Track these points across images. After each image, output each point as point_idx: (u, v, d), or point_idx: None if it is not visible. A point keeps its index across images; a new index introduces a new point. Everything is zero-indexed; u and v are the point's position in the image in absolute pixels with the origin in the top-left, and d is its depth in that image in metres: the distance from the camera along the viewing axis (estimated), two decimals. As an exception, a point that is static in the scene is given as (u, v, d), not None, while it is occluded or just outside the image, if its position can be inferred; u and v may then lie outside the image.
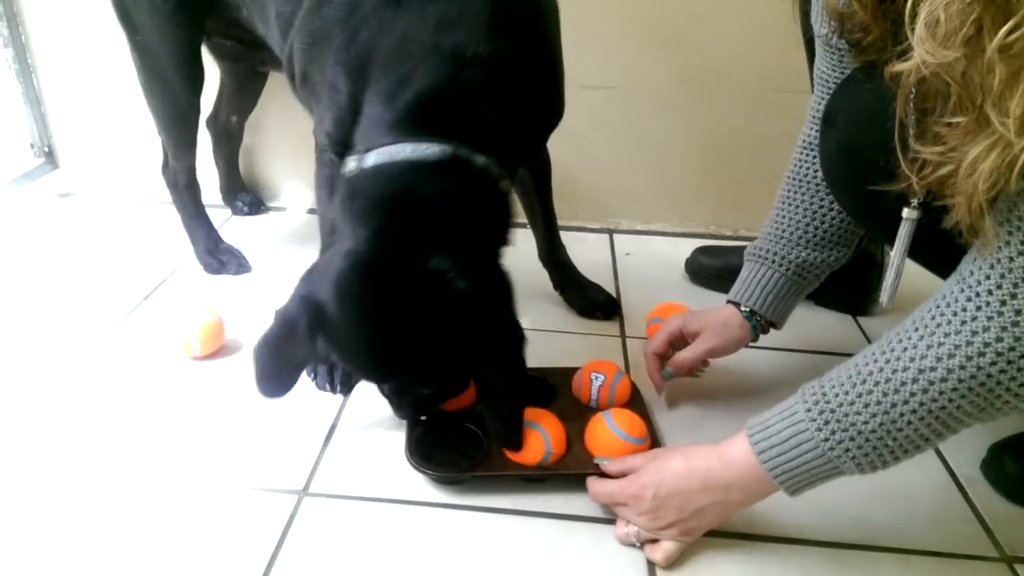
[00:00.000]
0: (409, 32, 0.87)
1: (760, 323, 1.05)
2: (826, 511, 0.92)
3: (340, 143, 0.99)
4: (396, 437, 1.01)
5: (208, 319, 1.17)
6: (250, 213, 1.69)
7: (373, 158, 0.83)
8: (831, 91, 0.91)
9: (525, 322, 0.90)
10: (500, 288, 0.86)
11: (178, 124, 1.34)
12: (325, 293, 0.82)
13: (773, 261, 1.02)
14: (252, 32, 1.22)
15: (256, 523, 0.88)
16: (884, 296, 0.81)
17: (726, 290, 1.45)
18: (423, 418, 0.99)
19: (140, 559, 0.83)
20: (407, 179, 0.82)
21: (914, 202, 0.73)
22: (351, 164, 0.86)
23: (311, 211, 1.72)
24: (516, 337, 0.88)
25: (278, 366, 0.92)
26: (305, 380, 1.12)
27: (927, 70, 0.59)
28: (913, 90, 0.64)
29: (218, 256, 1.44)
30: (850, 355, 1.02)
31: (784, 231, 1.02)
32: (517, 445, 0.92)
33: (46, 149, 1.77)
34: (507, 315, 0.87)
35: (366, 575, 0.83)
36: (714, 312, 1.08)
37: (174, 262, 1.46)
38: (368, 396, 1.11)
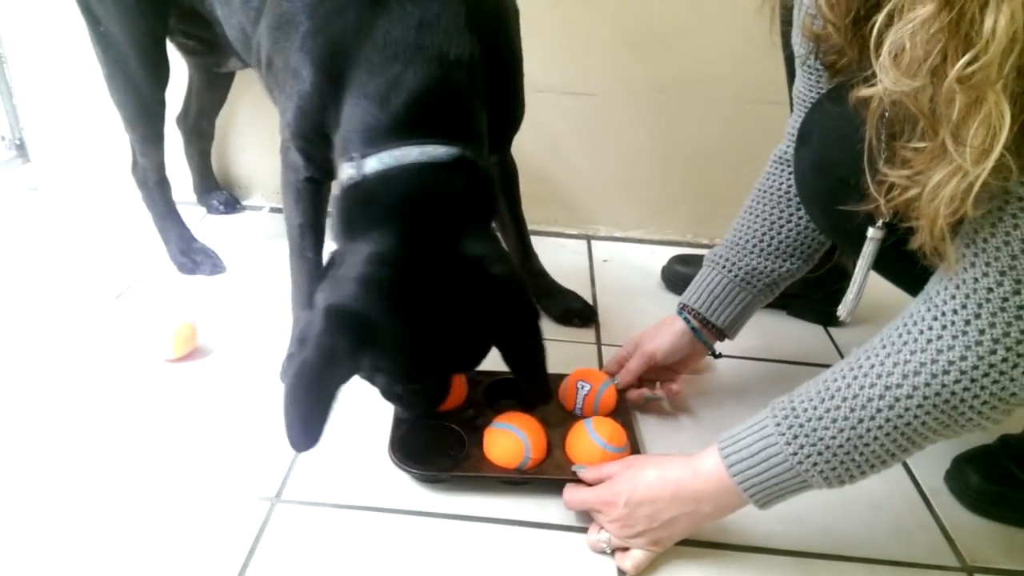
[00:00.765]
0: (391, 32, 0.87)
1: (703, 325, 1.06)
2: (794, 520, 0.94)
3: (301, 136, 0.98)
4: (370, 443, 1.01)
5: (181, 321, 1.16)
6: (226, 212, 1.67)
7: (374, 163, 0.84)
8: None
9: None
10: (516, 267, 0.91)
11: (142, 118, 1.33)
12: (365, 302, 0.81)
13: (723, 266, 1.04)
14: (212, 28, 1.21)
15: (228, 530, 0.88)
16: (843, 310, 0.82)
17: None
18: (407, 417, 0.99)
19: (110, 566, 0.82)
20: (422, 180, 0.84)
21: (879, 222, 0.74)
22: (348, 171, 0.86)
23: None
24: (535, 309, 0.94)
25: (313, 404, 0.84)
26: (279, 385, 1.12)
27: (889, 97, 0.60)
28: (886, 113, 0.66)
29: (192, 256, 1.42)
30: (821, 365, 1.04)
31: (740, 238, 1.03)
32: (549, 397, 0.99)
33: (17, 142, 1.74)
34: (527, 291, 0.92)
35: (338, 583, 0.83)
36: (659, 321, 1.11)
37: (147, 261, 1.44)
38: (341, 402, 1.10)
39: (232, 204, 1.68)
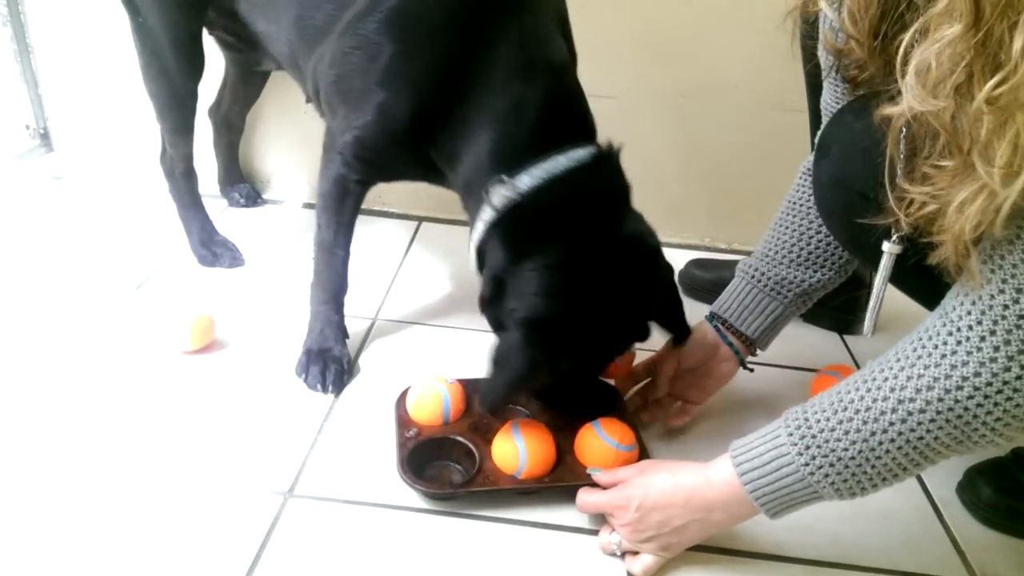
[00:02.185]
0: (499, 53, 0.93)
1: (733, 334, 1.06)
2: (805, 528, 0.94)
3: (373, 147, 1.02)
4: (384, 441, 1.02)
5: (199, 314, 1.17)
6: (246, 205, 1.68)
7: (527, 179, 0.90)
8: None
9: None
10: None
11: (174, 109, 1.34)
12: (558, 310, 0.89)
13: (752, 276, 1.04)
14: (250, 29, 1.22)
15: (240, 523, 0.89)
16: (866, 326, 0.82)
17: (717, 303, 1.44)
18: (414, 432, 1.00)
19: (122, 556, 0.84)
20: (576, 184, 0.91)
21: (895, 237, 0.74)
22: (503, 192, 0.91)
23: (307, 205, 1.72)
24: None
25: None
26: (295, 379, 1.13)
27: (912, 115, 0.60)
28: (904, 130, 0.65)
29: (212, 248, 1.43)
30: (835, 374, 1.03)
31: (770, 250, 1.03)
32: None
33: (41, 131, 1.76)
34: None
35: (349, 578, 0.84)
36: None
37: (167, 252, 1.45)
38: (357, 398, 1.12)
39: (253, 198, 1.69)
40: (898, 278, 0.78)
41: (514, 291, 0.91)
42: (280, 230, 1.61)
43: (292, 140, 1.68)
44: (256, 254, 1.47)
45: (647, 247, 0.95)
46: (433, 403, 1.01)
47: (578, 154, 0.92)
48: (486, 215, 0.93)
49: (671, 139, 1.59)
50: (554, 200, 0.91)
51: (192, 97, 1.34)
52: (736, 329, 1.06)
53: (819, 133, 0.93)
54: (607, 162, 0.95)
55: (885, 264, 0.76)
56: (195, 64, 1.31)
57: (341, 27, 1.00)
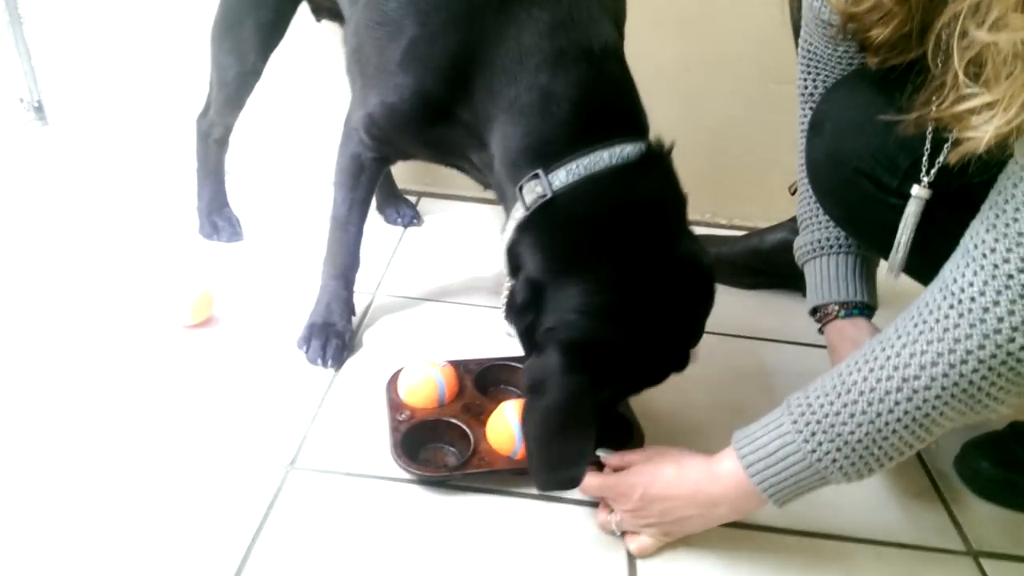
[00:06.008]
0: (523, 42, 0.84)
1: (855, 306, 0.97)
2: (803, 501, 0.92)
3: (389, 127, 0.97)
4: (385, 414, 1.02)
5: (199, 288, 1.16)
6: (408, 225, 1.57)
7: (564, 175, 0.80)
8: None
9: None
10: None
11: (236, 84, 1.31)
12: (601, 334, 0.79)
13: (830, 246, 0.98)
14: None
15: (243, 495, 0.89)
16: (895, 261, 0.81)
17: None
18: (407, 415, 0.98)
19: (125, 527, 0.84)
20: (620, 185, 0.80)
21: (924, 181, 0.73)
22: (535, 189, 0.81)
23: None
24: None
25: (567, 447, 0.82)
26: (296, 353, 1.13)
27: None
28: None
29: (215, 219, 1.42)
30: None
31: (814, 216, 0.98)
32: None
33: (35, 104, 1.74)
34: None
35: (351, 550, 0.84)
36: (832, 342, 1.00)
37: (164, 227, 1.44)
38: (358, 373, 1.12)
39: (410, 217, 1.57)
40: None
41: (554, 305, 0.80)
42: (288, 208, 1.58)
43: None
44: (260, 228, 1.45)
45: (702, 273, 0.84)
46: (428, 388, 1.01)
47: (625, 151, 0.80)
48: (518, 213, 0.84)
49: (673, 114, 1.54)
50: (596, 202, 0.80)
51: (256, 76, 1.30)
52: (847, 303, 0.97)
53: (812, 112, 0.91)
54: (658, 163, 0.84)
55: (912, 210, 0.75)
56: (272, 43, 1.28)
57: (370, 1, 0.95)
